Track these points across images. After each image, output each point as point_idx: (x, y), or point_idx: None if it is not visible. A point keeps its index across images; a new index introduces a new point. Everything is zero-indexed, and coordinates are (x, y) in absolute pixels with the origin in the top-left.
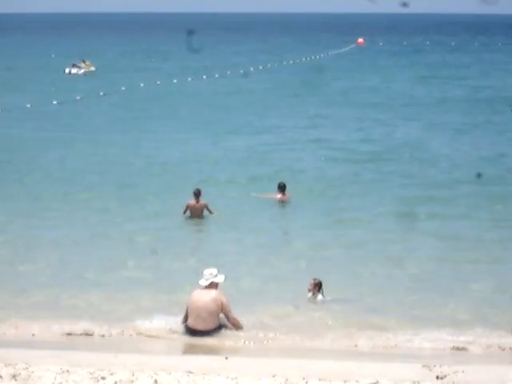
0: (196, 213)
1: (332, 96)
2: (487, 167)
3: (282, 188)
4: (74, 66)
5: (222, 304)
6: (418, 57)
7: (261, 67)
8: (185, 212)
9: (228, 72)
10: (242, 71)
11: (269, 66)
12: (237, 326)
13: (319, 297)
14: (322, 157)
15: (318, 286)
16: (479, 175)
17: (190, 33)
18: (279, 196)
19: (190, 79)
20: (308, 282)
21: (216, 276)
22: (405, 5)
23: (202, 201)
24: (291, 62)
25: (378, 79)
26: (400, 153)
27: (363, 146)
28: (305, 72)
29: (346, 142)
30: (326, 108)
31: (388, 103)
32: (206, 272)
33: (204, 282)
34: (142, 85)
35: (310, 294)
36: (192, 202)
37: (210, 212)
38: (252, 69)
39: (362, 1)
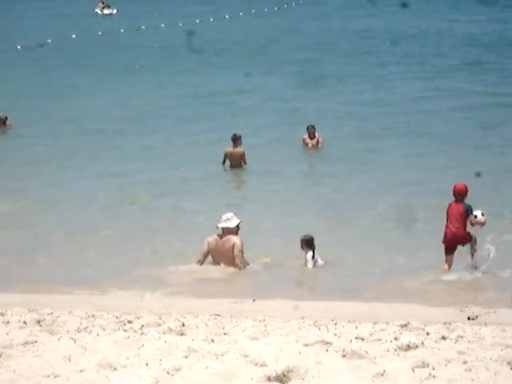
0: (235, 162)
1: None
2: None
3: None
4: (104, 5)
5: (234, 244)
6: None
7: None
8: (224, 162)
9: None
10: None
11: None
12: (238, 267)
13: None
14: None
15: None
16: (478, 174)
17: None
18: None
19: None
20: None
21: (229, 220)
22: (404, 5)
23: (240, 148)
24: None
25: None
26: None
27: None
28: None
29: None
30: None
31: None
32: (224, 217)
33: (219, 227)
34: (162, 25)
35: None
36: (229, 148)
37: (244, 162)
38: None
39: None
